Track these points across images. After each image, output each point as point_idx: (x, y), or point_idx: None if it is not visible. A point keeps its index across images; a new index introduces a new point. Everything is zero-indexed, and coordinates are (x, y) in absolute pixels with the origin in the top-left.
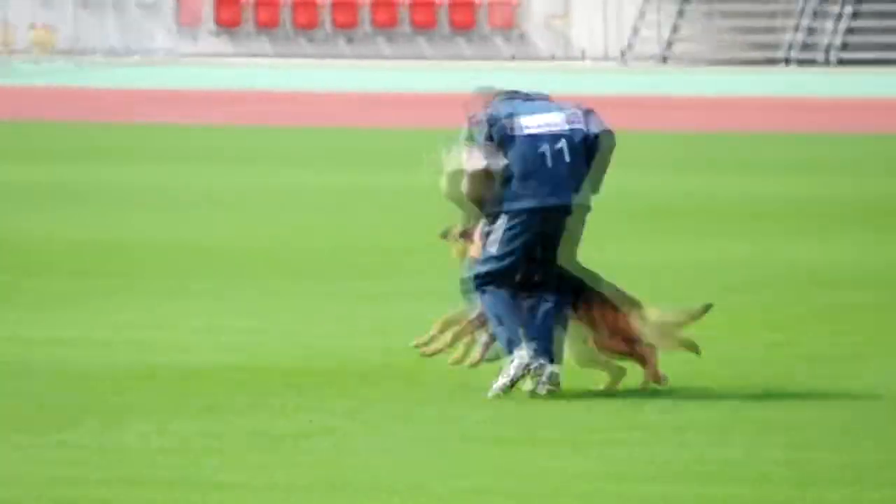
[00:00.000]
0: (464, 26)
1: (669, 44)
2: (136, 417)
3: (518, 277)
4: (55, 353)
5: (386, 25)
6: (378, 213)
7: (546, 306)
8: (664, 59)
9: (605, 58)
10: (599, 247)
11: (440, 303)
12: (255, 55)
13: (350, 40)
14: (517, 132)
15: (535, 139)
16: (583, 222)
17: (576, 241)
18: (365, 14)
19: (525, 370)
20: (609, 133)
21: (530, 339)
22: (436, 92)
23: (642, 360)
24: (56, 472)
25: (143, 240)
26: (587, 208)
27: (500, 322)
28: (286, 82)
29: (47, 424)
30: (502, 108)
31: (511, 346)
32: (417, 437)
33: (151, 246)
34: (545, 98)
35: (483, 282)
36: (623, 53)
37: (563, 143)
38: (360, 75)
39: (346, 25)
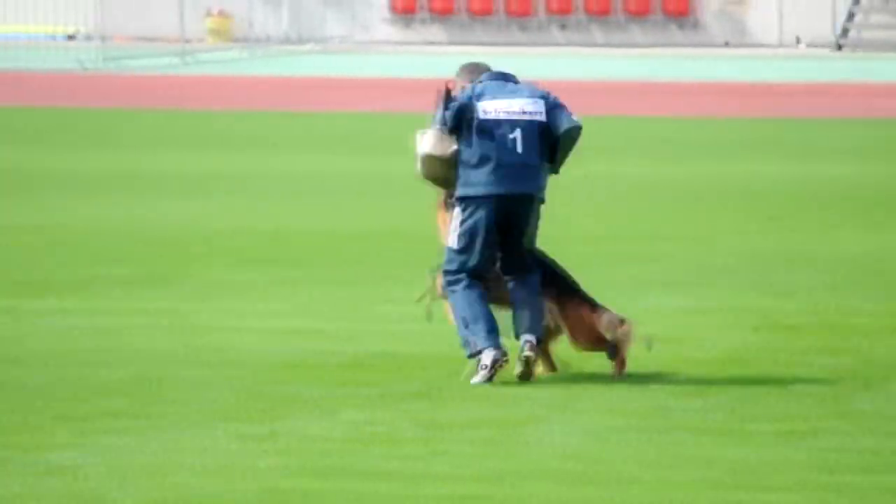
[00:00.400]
0: (638, 13)
1: (845, 31)
2: (302, 406)
3: (481, 264)
4: (248, 342)
5: (560, 12)
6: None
7: (526, 289)
8: (839, 47)
9: (780, 44)
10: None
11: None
12: (429, 42)
13: (524, 28)
14: (474, 116)
15: (491, 125)
16: (537, 213)
17: (536, 228)
18: (539, 1)
19: (495, 367)
20: (577, 128)
21: (524, 331)
22: (610, 80)
23: (616, 350)
24: (262, 463)
25: (314, 227)
26: (540, 200)
27: (466, 325)
28: None
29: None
30: (468, 91)
31: (473, 351)
32: (625, 428)
33: (322, 233)
34: (519, 83)
35: (451, 280)
36: (799, 40)
37: (518, 132)
38: (534, 62)
39: (520, 13)
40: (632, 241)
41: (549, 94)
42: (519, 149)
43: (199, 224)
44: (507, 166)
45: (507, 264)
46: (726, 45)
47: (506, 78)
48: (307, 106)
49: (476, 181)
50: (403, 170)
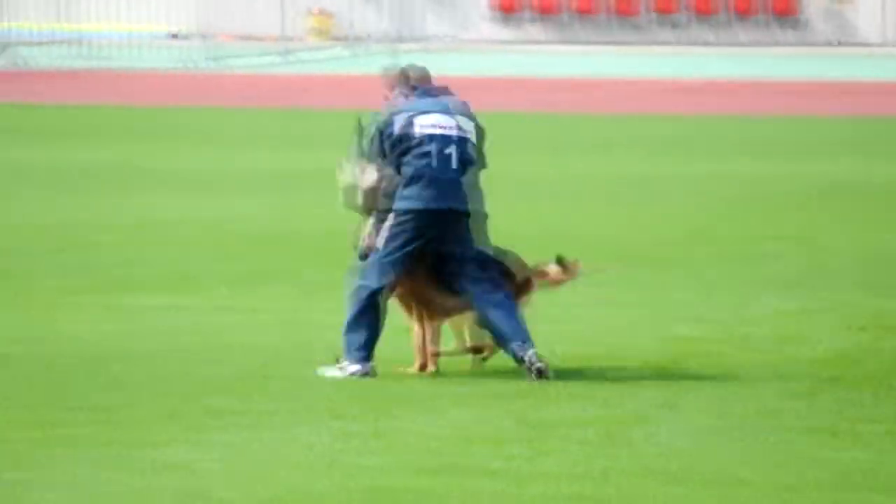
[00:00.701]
0: (744, 12)
1: None
2: (407, 404)
3: (390, 271)
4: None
5: (665, 11)
6: (668, 200)
7: (501, 303)
8: None
9: (884, 43)
10: None
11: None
12: (532, 41)
13: (627, 26)
14: (402, 131)
15: (424, 140)
16: (479, 228)
17: (470, 240)
18: (644, 0)
19: (352, 375)
20: (482, 158)
21: (508, 339)
22: (713, 79)
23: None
24: (365, 462)
25: None
26: (480, 214)
27: (350, 329)
28: (565, 68)
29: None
30: (398, 105)
31: (347, 355)
32: (732, 428)
33: None
34: (445, 93)
35: (363, 283)
36: None
37: (452, 149)
38: (637, 61)
39: (625, 11)
40: (739, 242)
41: (474, 116)
42: (454, 164)
43: (307, 221)
44: (443, 182)
45: (475, 280)
46: (838, 44)
47: (438, 92)
48: None
49: (413, 195)
50: (508, 167)
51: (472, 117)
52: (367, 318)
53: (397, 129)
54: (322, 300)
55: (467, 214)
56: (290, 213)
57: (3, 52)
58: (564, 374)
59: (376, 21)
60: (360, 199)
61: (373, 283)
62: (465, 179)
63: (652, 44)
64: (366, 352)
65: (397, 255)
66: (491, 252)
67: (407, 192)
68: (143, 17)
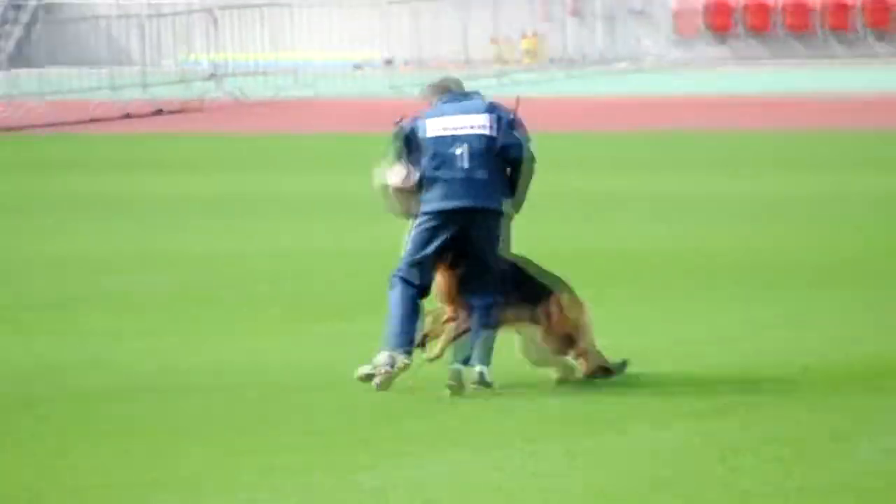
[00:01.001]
0: None
1: None
2: (595, 424)
3: (425, 274)
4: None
5: (880, 26)
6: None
7: (482, 320)
8: None
9: None
10: None
11: None
12: (745, 59)
13: (841, 42)
14: (421, 135)
15: (436, 142)
16: (497, 226)
17: (496, 243)
18: (856, 16)
19: (377, 368)
20: (517, 146)
21: (469, 348)
22: None
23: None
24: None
25: (615, 246)
26: (498, 213)
27: (391, 320)
28: (783, 85)
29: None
30: (421, 111)
31: (386, 343)
32: None
33: (623, 253)
34: (475, 98)
35: (395, 275)
36: None
37: (463, 148)
38: (848, 77)
39: (837, 26)
40: None
41: (497, 107)
42: (465, 164)
43: (541, 242)
44: (454, 182)
45: (467, 281)
46: None
47: (463, 97)
48: (620, 125)
49: (430, 197)
50: (711, 188)
51: (492, 111)
52: (400, 309)
53: (418, 133)
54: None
55: (486, 211)
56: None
57: (219, 82)
58: (756, 392)
59: (589, 42)
60: (395, 203)
61: (400, 281)
62: (482, 175)
63: (865, 56)
64: (394, 341)
65: (418, 256)
66: (506, 262)
67: (425, 195)
68: (357, 44)
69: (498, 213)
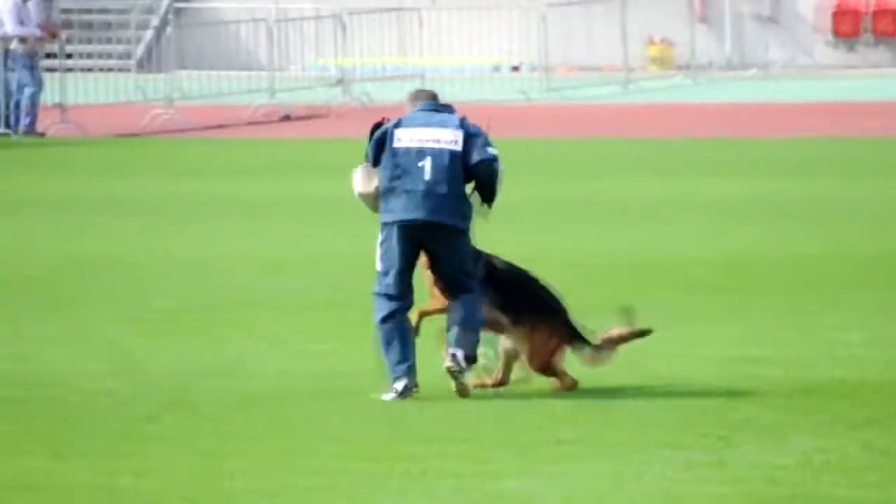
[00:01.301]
0: None
1: None
2: (752, 433)
3: (399, 287)
4: (695, 368)
5: None
6: None
7: (463, 311)
8: None
9: None
10: None
11: None
12: (873, 66)
13: None
14: (389, 144)
15: (401, 153)
16: (460, 242)
17: (464, 256)
18: None
19: (405, 393)
20: (489, 161)
21: (451, 345)
22: None
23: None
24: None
25: (766, 254)
26: (455, 229)
27: (387, 351)
28: None
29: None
30: (392, 121)
31: (392, 375)
32: None
33: (775, 259)
34: (447, 112)
35: (375, 293)
36: None
37: (427, 160)
38: None
39: None
40: None
41: (465, 120)
42: (427, 177)
43: (647, 251)
44: (415, 194)
45: (446, 286)
46: None
47: (437, 108)
48: (749, 132)
49: (390, 208)
50: (847, 191)
51: (461, 127)
52: (391, 335)
53: (389, 141)
54: (664, 329)
55: (446, 227)
56: (632, 243)
57: (346, 88)
58: None
59: (717, 49)
60: (371, 205)
61: (383, 306)
62: (442, 190)
63: None
64: (405, 368)
65: (392, 272)
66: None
67: (385, 205)
68: (485, 50)
69: (459, 231)
